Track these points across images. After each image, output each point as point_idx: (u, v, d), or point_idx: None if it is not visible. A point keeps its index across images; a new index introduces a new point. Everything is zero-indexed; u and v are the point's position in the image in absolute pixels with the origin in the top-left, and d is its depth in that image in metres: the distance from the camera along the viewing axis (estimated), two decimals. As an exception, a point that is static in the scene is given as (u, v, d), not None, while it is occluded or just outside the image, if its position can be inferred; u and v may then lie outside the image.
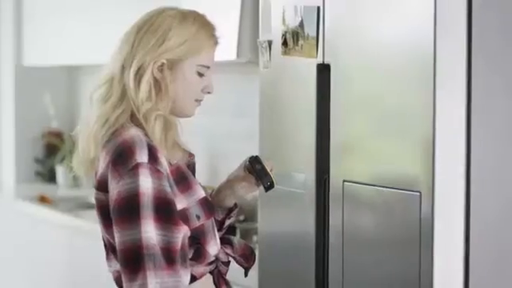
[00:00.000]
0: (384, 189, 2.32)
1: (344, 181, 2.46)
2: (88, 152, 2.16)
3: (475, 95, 2.22)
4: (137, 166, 2.04)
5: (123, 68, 2.15)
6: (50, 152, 5.43)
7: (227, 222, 2.34)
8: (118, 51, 2.19)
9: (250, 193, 2.34)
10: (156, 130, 2.12)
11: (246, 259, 2.32)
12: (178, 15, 2.17)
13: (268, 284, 2.81)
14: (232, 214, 2.35)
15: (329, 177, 2.52)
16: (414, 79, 2.24)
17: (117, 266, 2.14)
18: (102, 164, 2.11)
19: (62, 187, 5.32)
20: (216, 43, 2.21)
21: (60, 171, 5.34)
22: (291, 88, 2.69)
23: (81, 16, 4.79)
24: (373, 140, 2.39)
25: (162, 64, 2.14)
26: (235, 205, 2.35)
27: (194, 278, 2.15)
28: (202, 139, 2.74)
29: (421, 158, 2.22)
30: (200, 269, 2.17)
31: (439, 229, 2.19)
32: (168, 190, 2.08)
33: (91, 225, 4.21)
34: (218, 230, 2.28)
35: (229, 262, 2.29)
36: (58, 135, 5.42)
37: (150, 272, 2.02)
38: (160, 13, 2.18)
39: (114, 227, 2.06)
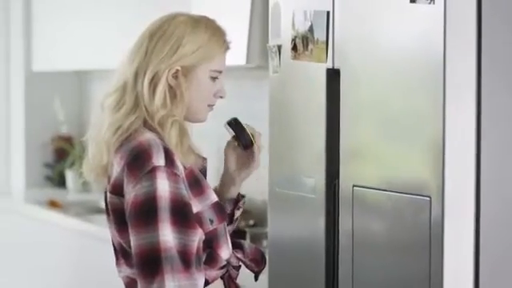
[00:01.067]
0: (394, 193, 2.32)
1: (354, 185, 2.46)
2: (100, 158, 2.16)
3: (485, 99, 2.21)
4: (154, 169, 2.05)
5: (136, 76, 2.16)
6: (60, 157, 5.43)
7: (237, 214, 2.35)
8: (130, 59, 2.19)
9: (247, 169, 2.31)
10: (172, 135, 2.13)
11: (257, 263, 2.32)
12: (189, 21, 2.18)
13: (278, 288, 2.81)
14: (240, 204, 2.35)
15: (338, 181, 2.52)
16: (424, 83, 2.24)
17: (127, 271, 2.15)
18: (116, 168, 2.12)
19: (72, 192, 5.32)
20: (227, 48, 2.23)
21: (70, 176, 5.35)
22: (301, 93, 2.69)
23: (90, 21, 4.80)
24: (382, 144, 2.39)
25: (177, 71, 2.15)
26: (240, 195, 2.35)
27: (206, 282, 2.15)
28: (211, 143, 2.74)
29: (431, 162, 2.22)
30: (213, 273, 2.18)
31: (449, 233, 2.19)
32: (185, 193, 2.09)
33: (101, 229, 4.21)
34: (229, 224, 2.28)
35: (239, 266, 2.29)
36: (68, 140, 5.43)
37: (167, 275, 2.02)
38: (172, 19, 2.19)
39: (131, 230, 2.06)
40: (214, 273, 2.18)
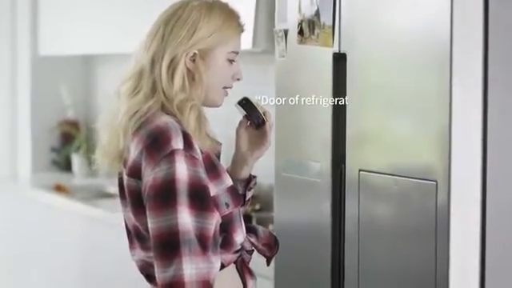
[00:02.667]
0: (400, 178, 2.33)
1: (360, 170, 2.46)
2: (116, 143, 2.16)
3: (492, 83, 2.21)
4: (173, 152, 2.05)
5: (153, 61, 2.17)
6: (66, 141, 5.44)
7: (249, 195, 2.35)
8: (146, 45, 2.20)
9: (259, 148, 2.32)
10: (191, 119, 2.14)
11: (270, 248, 2.33)
12: (204, 6, 2.19)
13: (284, 273, 2.81)
14: (251, 185, 2.35)
15: (345, 166, 2.53)
16: (431, 68, 2.24)
17: (141, 254, 2.15)
18: (133, 151, 2.12)
19: (78, 176, 5.33)
20: (242, 30, 2.24)
21: (76, 160, 5.35)
22: (307, 77, 2.69)
23: (97, 6, 4.80)
24: (389, 129, 2.39)
25: (194, 54, 2.16)
26: (252, 176, 2.36)
27: (222, 266, 2.15)
28: (218, 128, 2.74)
29: (437, 146, 2.22)
30: (228, 256, 2.18)
31: (455, 218, 2.19)
32: (203, 176, 2.09)
33: (107, 213, 4.22)
34: (242, 205, 2.29)
35: (252, 250, 2.30)
36: (74, 124, 5.43)
37: (185, 258, 2.02)
38: (186, 4, 2.20)
39: (149, 213, 2.06)
40: (230, 256, 2.18)
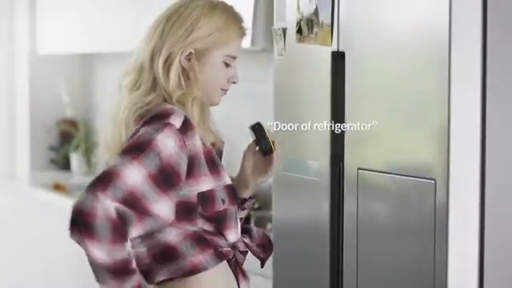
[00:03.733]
0: (399, 177, 2.33)
1: (358, 168, 2.46)
2: (118, 136, 2.18)
3: (490, 82, 2.21)
4: (166, 124, 2.08)
5: (153, 56, 2.18)
6: (65, 140, 5.44)
7: (240, 214, 2.34)
8: (147, 40, 2.21)
9: (262, 175, 2.31)
10: (194, 111, 2.15)
11: (263, 249, 2.33)
12: (206, 5, 2.20)
13: (282, 272, 2.81)
14: (245, 205, 2.35)
15: (343, 164, 2.53)
16: (429, 66, 2.24)
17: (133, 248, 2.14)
18: (130, 133, 2.13)
19: (77, 174, 5.33)
20: (243, 34, 2.24)
21: (74, 159, 5.35)
22: (306, 76, 2.69)
23: (96, 4, 4.80)
24: (387, 128, 2.39)
25: (190, 53, 2.17)
26: (250, 197, 2.36)
27: (221, 254, 2.16)
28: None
29: (436, 145, 2.22)
30: (201, 257, 2.15)
31: (454, 216, 2.19)
32: (182, 163, 2.08)
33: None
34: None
35: (246, 251, 2.29)
36: (73, 123, 5.43)
37: (103, 200, 1.99)
38: (189, 2, 2.21)
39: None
40: (202, 257, 2.15)
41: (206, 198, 2.13)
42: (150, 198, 2.04)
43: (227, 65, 2.21)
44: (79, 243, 2.04)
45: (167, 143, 2.06)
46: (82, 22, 4.91)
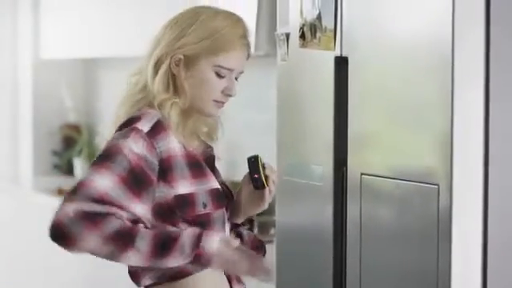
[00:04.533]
0: (402, 181, 2.33)
1: (362, 173, 2.46)
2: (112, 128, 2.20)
3: (493, 87, 2.21)
4: (132, 129, 2.08)
5: (148, 58, 2.19)
6: (68, 145, 5.44)
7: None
8: (150, 44, 2.21)
9: (254, 206, 2.27)
10: (172, 114, 2.14)
11: (257, 251, 2.28)
12: (207, 12, 2.17)
13: (286, 276, 2.81)
14: (240, 230, 2.30)
15: (346, 169, 2.53)
16: (432, 71, 2.24)
17: None
18: None
19: (80, 180, 5.33)
20: (244, 46, 2.18)
21: (78, 164, 5.35)
22: (309, 80, 2.69)
23: (99, 9, 4.81)
24: (391, 132, 2.39)
25: (179, 59, 2.16)
26: (243, 223, 2.32)
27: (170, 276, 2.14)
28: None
29: (439, 150, 2.22)
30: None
31: (457, 221, 2.19)
32: (152, 166, 2.08)
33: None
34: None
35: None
36: (76, 128, 5.43)
37: (70, 203, 2.03)
38: (193, 9, 2.20)
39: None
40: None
41: (185, 201, 2.11)
42: (124, 197, 2.04)
43: (220, 76, 2.16)
44: (72, 251, 2.09)
45: (133, 147, 2.06)
46: (86, 26, 4.92)
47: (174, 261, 2.04)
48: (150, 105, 2.17)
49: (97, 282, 4.46)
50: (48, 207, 4.91)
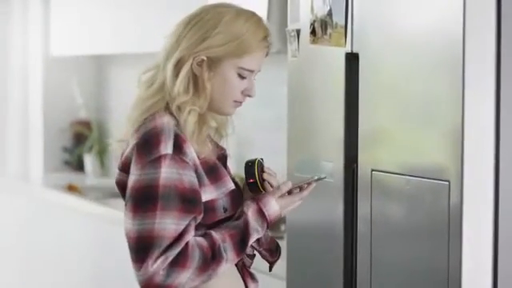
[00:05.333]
0: (412, 178, 2.32)
1: (372, 170, 2.46)
2: (125, 134, 2.18)
3: (505, 83, 2.20)
4: (159, 158, 2.06)
5: (167, 58, 2.17)
6: (78, 141, 5.46)
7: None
8: (167, 41, 2.19)
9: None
10: (189, 121, 2.13)
11: (271, 254, 2.32)
12: (230, 12, 2.16)
13: (296, 273, 2.81)
14: (263, 247, 2.33)
15: (357, 166, 2.52)
16: (444, 67, 2.24)
17: None
18: (129, 146, 2.13)
19: (91, 176, 5.34)
20: (266, 48, 2.20)
21: (88, 160, 5.37)
22: (320, 77, 2.69)
23: (109, 5, 4.81)
24: (401, 129, 2.39)
25: (202, 60, 2.14)
26: (273, 241, 2.35)
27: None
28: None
29: (450, 146, 2.22)
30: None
31: (468, 218, 2.18)
32: (194, 180, 2.10)
33: (120, 213, 4.23)
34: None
35: (254, 255, 2.30)
36: (86, 124, 5.45)
37: (157, 260, 2.04)
38: (213, 8, 2.17)
39: (127, 213, 2.08)
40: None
41: (206, 208, 2.13)
42: (188, 221, 2.08)
43: (242, 77, 2.17)
44: None
45: (170, 175, 2.06)
46: (96, 23, 4.93)
47: (254, 240, 2.17)
48: (166, 108, 2.15)
49: (109, 281, 4.47)
50: (58, 204, 4.96)
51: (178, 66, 2.15)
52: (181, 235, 2.06)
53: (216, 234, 2.12)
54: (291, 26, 2.77)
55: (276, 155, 2.77)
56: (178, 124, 2.13)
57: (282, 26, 3.15)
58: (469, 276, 2.19)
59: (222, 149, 2.28)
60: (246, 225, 2.15)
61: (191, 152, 2.11)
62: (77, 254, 4.75)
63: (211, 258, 2.09)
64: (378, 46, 2.45)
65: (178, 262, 2.05)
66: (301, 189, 2.29)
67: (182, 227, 2.06)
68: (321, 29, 2.62)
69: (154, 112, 2.14)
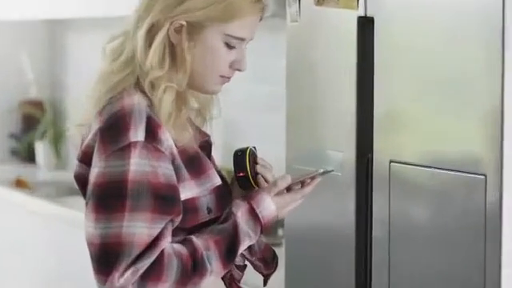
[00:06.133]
0: (440, 171, 2.33)
1: (391, 161, 2.47)
2: (86, 116, 2.18)
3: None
4: (129, 145, 2.07)
5: (138, 23, 2.16)
6: (29, 125, 5.47)
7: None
8: (139, 3, 2.19)
9: None
10: (165, 101, 2.13)
11: (266, 265, 2.34)
12: None
13: (297, 287, 2.82)
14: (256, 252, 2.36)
15: (372, 156, 2.54)
16: (478, 38, 2.24)
17: None
18: (92, 131, 2.14)
19: (43, 169, 5.35)
20: (260, 11, 2.21)
21: (40, 149, 5.38)
22: (326, 47, 2.69)
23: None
24: (427, 111, 2.39)
25: (181, 26, 2.14)
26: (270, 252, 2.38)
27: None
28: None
29: (486, 133, 2.22)
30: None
31: (508, 217, 2.19)
32: (171, 173, 2.10)
33: (80, 214, 4.23)
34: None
35: (245, 265, 2.32)
36: (38, 105, 5.45)
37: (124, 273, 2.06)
38: None
39: (88, 214, 2.08)
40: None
41: (186, 208, 2.14)
42: (164, 224, 2.08)
43: (230, 46, 2.18)
44: None
45: (142, 167, 2.07)
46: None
47: (245, 248, 2.19)
48: (136, 84, 2.15)
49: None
50: (4, 201, 4.94)
51: (151, 34, 2.15)
52: (155, 241, 2.06)
53: (198, 241, 2.13)
54: (291, -16, 2.78)
55: (272, 143, 2.78)
56: (151, 104, 2.14)
57: (279, -16, 3.15)
58: (509, 285, 2.20)
59: (206, 135, 2.29)
60: (235, 229, 2.16)
61: (167, 139, 2.12)
62: (27, 258, 4.75)
63: (192, 270, 2.10)
64: (397, 9, 2.45)
65: (152, 275, 2.06)
66: (302, 184, 2.30)
67: (157, 232, 2.07)
68: (327, -13, 2.63)
69: (121, 90, 2.15)
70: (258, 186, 2.27)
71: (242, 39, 2.19)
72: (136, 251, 2.04)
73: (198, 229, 2.17)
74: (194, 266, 2.10)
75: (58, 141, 5.34)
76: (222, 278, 2.23)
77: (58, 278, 4.51)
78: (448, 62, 2.33)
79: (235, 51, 2.19)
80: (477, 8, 2.24)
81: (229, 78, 2.22)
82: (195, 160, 2.18)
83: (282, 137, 2.84)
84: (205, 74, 2.19)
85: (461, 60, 2.29)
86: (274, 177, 2.29)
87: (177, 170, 2.13)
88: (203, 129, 2.31)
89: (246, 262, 2.32)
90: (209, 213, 2.18)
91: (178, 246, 2.11)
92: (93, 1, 4.54)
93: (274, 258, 2.36)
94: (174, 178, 2.11)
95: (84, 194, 2.17)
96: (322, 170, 2.34)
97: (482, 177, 2.22)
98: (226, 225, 2.17)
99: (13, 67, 5.44)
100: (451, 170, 2.30)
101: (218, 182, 2.20)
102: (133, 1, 2.23)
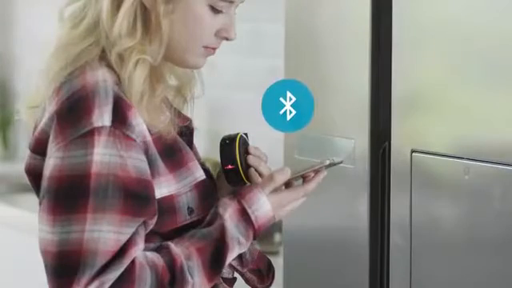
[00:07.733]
0: (474, 163, 2.34)
1: (413, 151, 2.48)
2: (40, 97, 2.17)
3: None
4: (92, 132, 2.06)
5: None
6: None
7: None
8: None
9: None
10: (136, 77, 2.13)
11: (260, 277, 2.35)
12: None
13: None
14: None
15: (389, 145, 2.55)
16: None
17: None
18: (46, 114, 2.13)
19: (-12, 160, 5.38)
20: None
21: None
22: (332, 10, 2.70)
23: None
24: (457, 89, 2.40)
25: None
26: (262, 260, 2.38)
27: None
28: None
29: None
30: None
31: None
32: (144, 166, 2.11)
33: (32, 216, 4.23)
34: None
35: (234, 279, 2.33)
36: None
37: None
38: None
39: (42, 216, 2.08)
40: None
41: (162, 208, 2.14)
42: (135, 227, 2.09)
43: (216, 10, 2.19)
44: None
45: (110, 159, 2.07)
46: None
47: (234, 257, 2.20)
48: (101, 57, 2.15)
49: None
50: None
51: None
52: (124, 249, 2.07)
53: (177, 248, 2.14)
54: None
55: (266, 128, 2.76)
56: (119, 82, 2.14)
57: None
58: None
59: (186, 119, 2.30)
60: (223, 233, 2.17)
61: (139, 124, 2.12)
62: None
63: (170, 284, 2.11)
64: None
65: None
66: (305, 179, 2.30)
67: (126, 237, 2.07)
68: None
69: (83, 63, 2.14)
70: (249, 181, 2.28)
71: (231, 1, 2.19)
72: (101, 261, 2.04)
73: (177, 233, 2.17)
74: (172, 279, 2.11)
75: (5, 127, 5.42)
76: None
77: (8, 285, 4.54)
78: (484, 29, 2.33)
79: (222, 16, 2.19)
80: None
81: (214, 49, 2.22)
82: (173, 149, 2.19)
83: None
84: (185, 45, 2.19)
85: (500, 28, 2.29)
86: (270, 169, 2.29)
87: (151, 161, 2.13)
88: (183, 111, 2.32)
89: (236, 275, 2.33)
90: (190, 214, 2.18)
91: (152, 255, 2.11)
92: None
93: (270, 269, 2.36)
94: (148, 171, 2.11)
95: (37, 191, 2.17)
96: (328, 162, 2.33)
97: (527, 170, 2.25)
98: (211, 228, 2.17)
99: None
100: (489, 162, 2.31)
101: (200, 176, 2.21)
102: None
